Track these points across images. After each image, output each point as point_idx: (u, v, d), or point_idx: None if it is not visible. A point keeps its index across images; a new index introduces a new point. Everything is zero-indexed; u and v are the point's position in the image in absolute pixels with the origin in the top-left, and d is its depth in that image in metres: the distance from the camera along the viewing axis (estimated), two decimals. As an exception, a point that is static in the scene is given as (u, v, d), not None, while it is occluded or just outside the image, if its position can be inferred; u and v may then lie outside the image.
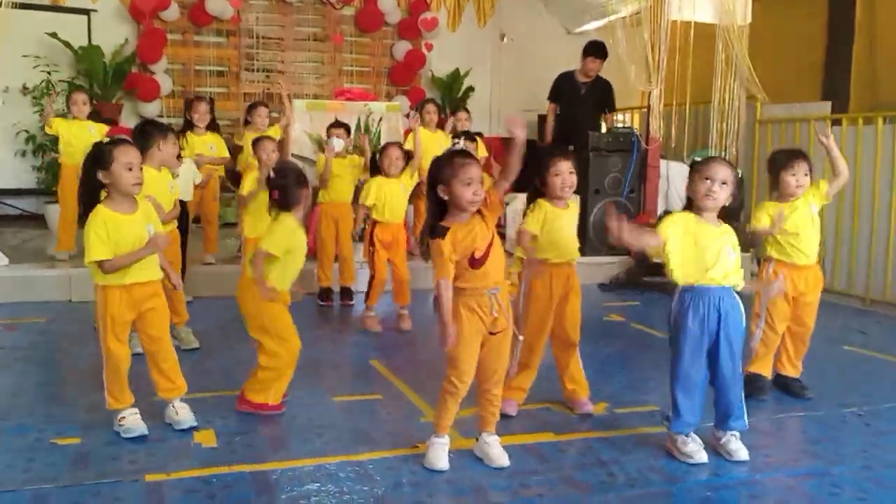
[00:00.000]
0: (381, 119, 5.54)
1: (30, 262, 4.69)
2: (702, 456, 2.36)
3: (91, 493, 2.08)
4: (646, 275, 5.26)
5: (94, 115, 4.97)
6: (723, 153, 5.42)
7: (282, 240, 2.63)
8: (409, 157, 4.05)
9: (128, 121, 6.62)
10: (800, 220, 2.91)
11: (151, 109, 6.90)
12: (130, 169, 2.40)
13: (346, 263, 4.46)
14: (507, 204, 5.57)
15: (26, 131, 6.35)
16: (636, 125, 6.88)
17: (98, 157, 2.40)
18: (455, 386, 2.25)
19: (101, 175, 2.39)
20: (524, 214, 2.75)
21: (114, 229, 2.38)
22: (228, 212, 6.02)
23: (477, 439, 2.36)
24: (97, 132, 4.57)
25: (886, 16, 5.39)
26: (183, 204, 3.61)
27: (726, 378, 2.36)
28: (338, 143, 4.33)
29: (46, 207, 6.03)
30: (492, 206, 2.23)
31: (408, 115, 7.33)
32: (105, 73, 6.56)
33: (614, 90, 5.90)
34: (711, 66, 5.38)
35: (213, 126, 4.85)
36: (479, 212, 2.24)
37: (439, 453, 2.28)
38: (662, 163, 5.66)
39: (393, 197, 3.90)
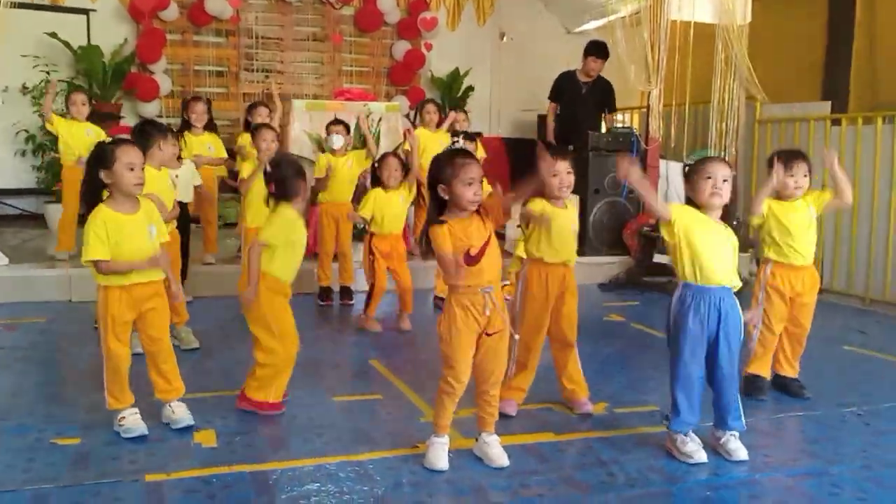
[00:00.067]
0: (380, 119, 5.54)
1: (30, 262, 4.68)
2: (701, 456, 2.36)
3: (91, 493, 2.08)
4: (646, 275, 5.27)
5: (93, 116, 4.96)
6: (722, 153, 5.43)
7: (280, 230, 2.62)
8: (406, 168, 4.04)
9: (127, 121, 6.62)
10: (798, 220, 2.92)
11: (151, 109, 6.90)
12: (132, 169, 2.40)
13: (346, 263, 4.46)
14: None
15: (26, 131, 6.34)
16: (636, 125, 6.88)
17: (100, 157, 2.41)
18: (451, 385, 2.25)
19: (102, 174, 2.39)
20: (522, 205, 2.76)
21: (114, 229, 2.38)
22: (229, 212, 6.02)
23: (477, 439, 2.36)
24: (95, 136, 4.56)
25: (886, 16, 5.39)
26: (184, 205, 3.62)
27: (724, 378, 2.37)
28: (338, 141, 4.32)
29: (46, 207, 6.04)
30: (492, 210, 2.24)
31: (408, 116, 7.35)
32: (104, 73, 6.55)
33: (615, 90, 5.90)
34: (711, 65, 5.38)
35: (210, 126, 4.83)
36: (478, 212, 2.25)
37: (439, 453, 2.28)
38: (662, 163, 5.66)
39: (391, 209, 3.88)
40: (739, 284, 2.40)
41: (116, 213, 2.41)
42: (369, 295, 3.92)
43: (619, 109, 6.18)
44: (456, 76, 7.72)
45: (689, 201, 2.42)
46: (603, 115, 5.96)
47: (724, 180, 2.33)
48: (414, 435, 2.49)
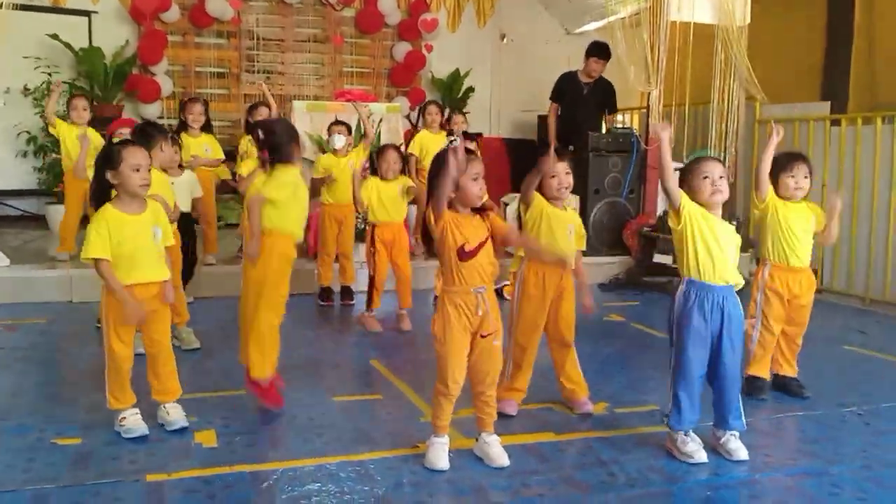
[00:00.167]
0: (381, 120, 5.54)
1: (31, 263, 4.69)
2: (701, 455, 2.36)
3: (91, 493, 2.08)
4: (646, 275, 5.27)
5: (94, 122, 4.95)
6: (722, 154, 5.43)
7: (282, 186, 2.63)
8: (405, 161, 4.05)
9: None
10: (800, 223, 2.92)
11: (152, 111, 6.91)
12: (138, 170, 2.41)
13: (348, 263, 4.47)
14: (506, 204, 5.58)
15: (27, 132, 6.36)
16: (636, 126, 6.88)
17: (107, 158, 2.43)
18: (446, 386, 2.25)
19: (109, 175, 2.41)
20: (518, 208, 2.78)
21: (116, 229, 2.39)
22: (229, 213, 6.03)
23: (477, 439, 2.37)
24: (90, 142, 4.55)
25: (885, 17, 5.39)
26: (187, 216, 3.62)
27: (727, 377, 2.37)
28: (339, 141, 4.33)
29: (47, 208, 6.05)
30: (494, 210, 2.28)
31: (408, 117, 7.35)
32: (106, 75, 6.56)
33: (616, 92, 5.91)
34: (710, 66, 5.38)
35: (207, 127, 4.81)
36: (480, 213, 2.26)
37: (439, 453, 2.28)
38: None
39: (390, 199, 3.91)
40: (742, 283, 2.40)
41: (121, 213, 2.42)
42: (369, 288, 3.94)
43: (619, 110, 6.18)
44: (456, 77, 7.73)
45: None
46: (603, 115, 5.96)
47: (721, 177, 2.34)
48: (414, 435, 2.49)
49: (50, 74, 6.23)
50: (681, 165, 2.50)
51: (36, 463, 2.26)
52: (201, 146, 4.70)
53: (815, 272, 3.35)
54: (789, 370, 3.05)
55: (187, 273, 3.69)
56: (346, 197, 4.35)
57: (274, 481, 2.18)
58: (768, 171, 2.89)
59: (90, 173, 3.65)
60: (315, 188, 4.30)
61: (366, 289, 4.02)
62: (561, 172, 2.66)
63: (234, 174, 4.97)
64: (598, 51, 5.72)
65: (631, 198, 5.67)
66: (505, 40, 8.11)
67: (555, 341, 2.77)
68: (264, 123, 2.82)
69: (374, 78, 7.75)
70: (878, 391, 3.12)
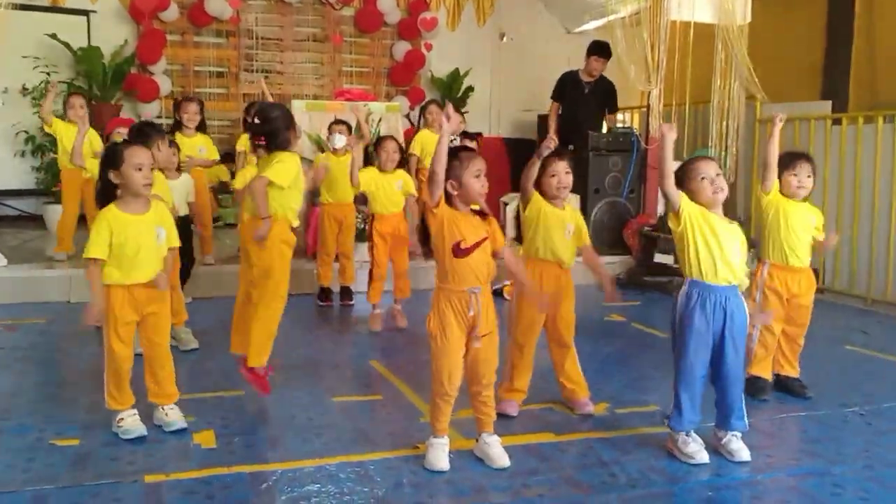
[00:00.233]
0: (380, 119, 5.53)
1: (29, 263, 4.68)
2: (703, 456, 2.35)
3: (90, 493, 2.08)
4: (646, 274, 5.26)
5: (91, 120, 4.93)
6: (723, 153, 5.42)
7: (284, 170, 2.63)
8: (403, 152, 4.05)
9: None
10: (800, 220, 2.92)
11: (151, 110, 6.90)
12: (140, 169, 2.40)
13: (347, 263, 4.46)
14: (506, 204, 5.57)
15: (26, 132, 6.35)
16: (636, 125, 6.87)
17: (110, 158, 2.44)
18: (443, 387, 2.24)
19: (111, 175, 2.41)
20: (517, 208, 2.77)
21: (118, 229, 2.39)
22: (228, 213, 6.01)
23: (477, 440, 2.36)
24: (88, 140, 4.54)
25: (885, 15, 5.39)
26: (185, 220, 3.61)
27: (729, 378, 2.36)
28: (340, 140, 4.32)
29: (45, 208, 6.04)
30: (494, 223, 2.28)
31: (408, 116, 7.34)
32: (104, 74, 6.55)
33: (617, 91, 5.90)
34: (711, 65, 5.37)
35: (202, 127, 4.77)
36: (482, 216, 2.26)
37: (439, 454, 2.28)
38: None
39: (388, 188, 3.92)
40: (747, 283, 2.39)
41: (123, 214, 2.42)
42: (368, 280, 3.97)
43: (619, 109, 6.17)
44: (456, 76, 7.72)
45: None
46: (604, 115, 5.95)
47: (718, 174, 2.34)
48: (414, 435, 2.49)
49: (49, 74, 6.22)
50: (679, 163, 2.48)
51: (35, 463, 2.25)
52: (195, 147, 4.64)
53: (816, 272, 3.35)
54: (791, 370, 3.04)
55: (185, 274, 3.68)
56: (346, 196, 4.34)
57: (273, 482, 2.17)
58: (775, 160, 2.88)
59: (89, 164, 3.64)
60: (313, 187, 4.29)
61: (365, 289, 4.02)
62: (561, 172, 2.65)
63: (233, 175, 4.95)
64: (599, 49, 5.71)
65: (631, 197, 5.66)
66: (504, 39, 8.10)
67: (554, 341, 2.77)
68: (261, 109, 2.79)
69: (373, 77, 7.74)
70: (880, 391, 3.11)
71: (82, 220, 4.83)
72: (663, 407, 2.71)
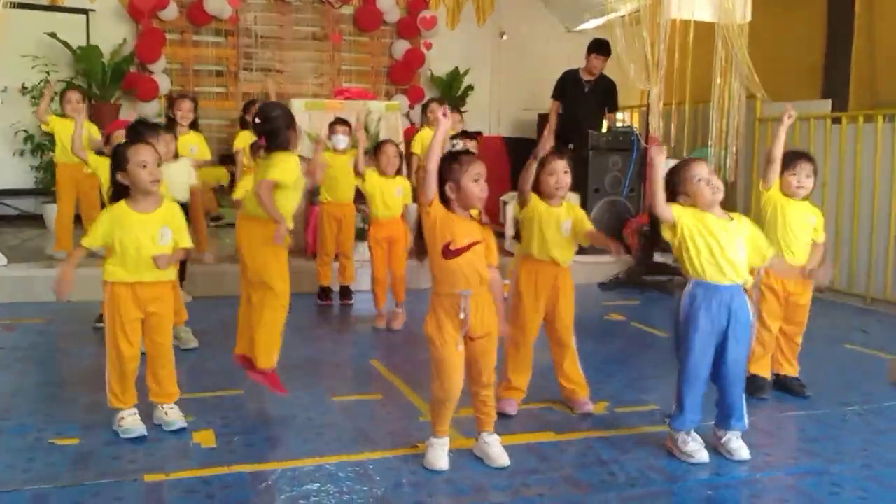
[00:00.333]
0: (380, 118, 5.53)
1: (29, 262, 4.68)
2: (702, 455, 2.36)
3: (90, 493, 2.08)
4: (646, 274, 5.26)
5: (90, 117, 4.92)
6: (723, 152, 5.42)
7: (286, 171, 2.62)
8: (401, 157, 4.05)
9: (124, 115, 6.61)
10: (798, 220, 2.91)
11: (150, 109, 6.89)
12: (145, 166, 2.41)
13: (347, 262, 4.46)
14: (506, 203, 5.57)
15: (25, 131, 6.34)
16: (636, 124, 6.87)
17: (116, 160, 2.46)
18: (443, 389, 2.24)
19: (120, 176, 2.43)
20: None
21: (118, 223, 2.41)
22: (228, 212, 6.01)
23: (477, 439, 2.36)
24: (86, 134, 4.52)
25: (886, 15, 5.38)
26: (182, 204, 3.59)
27: (732, 377, 2.36)
28: (342, 141, 4.32)
29: (45, 207, 6.03)
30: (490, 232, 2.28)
31: (407, 115, 7.34)
32: (104, 73, 6.55)
33: (618, 90, 5.89)
34: (711, 64, 5.36)
35: (195, 126, 4.73)
36: (480, 222, 2.26)
37: (439, 453, 2.28)
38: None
39: (388, 195, 3.92)
40: (750, 280, 2.39)
41: (129, 210, 2.43)
42: (371, 286, 4.02)
43: (619, 108, 6.17)
44: (456, 75, 7.71)
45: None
46: (604, 113, 5.95)
47: (711, 174, 2.34)
48: (414, 435, 2.49)
49: (48, 73, 6.21)
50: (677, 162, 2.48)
51: (35, 463, 2.25)
52: (187, 146, 4.50)
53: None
54: (790, 369, 3.05)
55: (181, 271, 3.67)
56: (346, 196, 4.34)
57: (273, 481, 2.17)
58: (780, 155, 2.87)
59: (91, 159, 3.63)
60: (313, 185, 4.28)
61: (364, 289, 4.04)
62: (559, 171, 2.65)
63: (232, 176, 4.94)
64: (599, 47, 5.71)
65: (631, 196, 5.65)
66: (503, 37, 8.09)
67: (553, 341, 2.77)
68: (262, 109, 2.79)
69: (373, 76, 7.74)
70: (879, 390, 3.12)
71: (79, 218, 4.83)
72: (663, 406, 2.71)
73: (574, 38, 7.11)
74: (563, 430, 2.60)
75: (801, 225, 2.91)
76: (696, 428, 2.40)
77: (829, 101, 5.44)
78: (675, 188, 2.38)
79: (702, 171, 2.33)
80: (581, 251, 2.82)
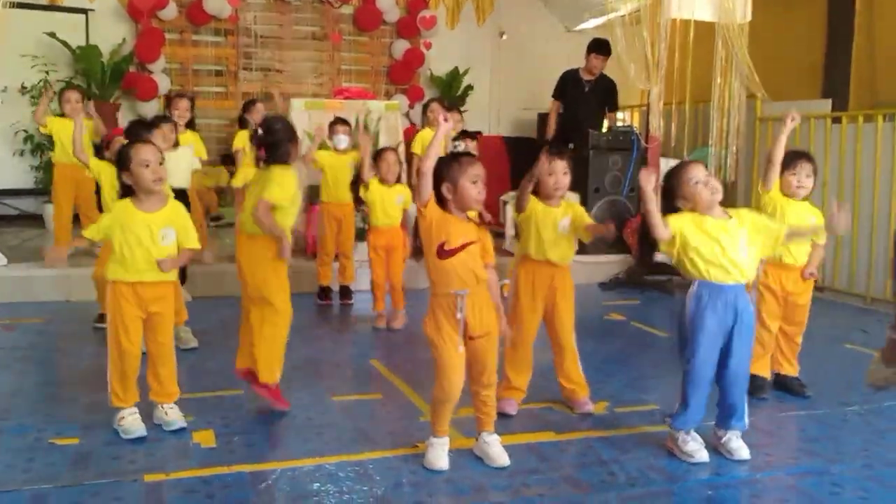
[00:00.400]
0: (379, 118, 5.53)
1: (28, 262, 4.67)
2: (702, 455, 2.35)
3: (90, 493, 2.08)
4: (646, 273, 5.26)
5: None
6: (723, 151, 5.42)
7: (284, 190, 2.62)
8: (400, 164, 4.05)
9: (126, 121, 6.60)
10: (797, 220, 2.90)
11: (149, 109, 6.89)
12: (147, 165, 2.41)
13: (347, 262, 4.46)
14: (505, 203, 5.56)
15: (25, 131, 6.34)
16: (636, 123, 6.87)
17: (120, 161, 2.47)
18: (443, 389, 2.24)
19: (124, 177, 2.45)
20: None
21: (120, 220, 2.43)
22: (229, 212, 6.01)
23: (477, 439, 2.36)
24: (87, 131, 4.51)
25: (886, 14, 5.38)
26: (183, 193, 3.59)
27: (735, 377, 2.35)
28: (343, 141, 4.31)
29: (45, 207, 6.02)
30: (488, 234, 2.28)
31: (407, 115, 7.33)
32: (103, 73, 6.54)
33: (618, 89, 5.89)
34: (711, 63, 5.36)
35: (191, 125, 4.71)
36: (478, 223, 2.26)
37: (439, 453, 2.28)
38: (663, 161, 5.65)
39: (388, 204, 3.92)
40: (752, 276, 2.38)
41: (132, 208, 2.45)
42: (371, 290, 4.03)
43: (619, 108, 6.16)
44: (455, 75, 7.71)
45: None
46: (605, 113, 5.94)
47: (708, 175, 2.33)
48: (414, 434, 2.49)
49: (47, 73, 6.21)
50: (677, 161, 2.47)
51: (35, 463, 2.25)
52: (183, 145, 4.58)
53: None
54: (790, 369, 3.05)
55: (182, 272, 3.67)
56: (346, 195, 4.34)
57: (273, 481, 2.17)
58: (780, 158, 2.86)
59: (92, 163, 3.64)
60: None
61: (364, 288, 4.04)
62: (559, 172, 2.65)
63: (232, 176, 4.92)
64: (598, 47, 5.71)
65: (631, 196, 5.65)
66: (503, 37, 8.08)
67: (553, 341, 2.77)
68: (265, 121, 2.82)
69: (372, 76, 7.73)
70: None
71: (79, 220, 4.83)
72: (663, 406, 2.71)
73: (574, 38, 7.10)
74: (563, 429, 2.60)
75: (801, 222, 2.91)
76: (696, 428, 2.40)
77: (829, 101, 5.44)
78: (673, 192, 2.37)
79: (698, 174, 2.32)
80: (581, 251, 2.81)
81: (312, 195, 4.66)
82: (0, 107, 6.22)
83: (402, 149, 4.73)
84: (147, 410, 2.54)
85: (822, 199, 4.77)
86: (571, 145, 5.45)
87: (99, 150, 3.95)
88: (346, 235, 4.39)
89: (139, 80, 6.81)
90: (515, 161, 6.68)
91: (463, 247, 2.18)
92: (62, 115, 4.75)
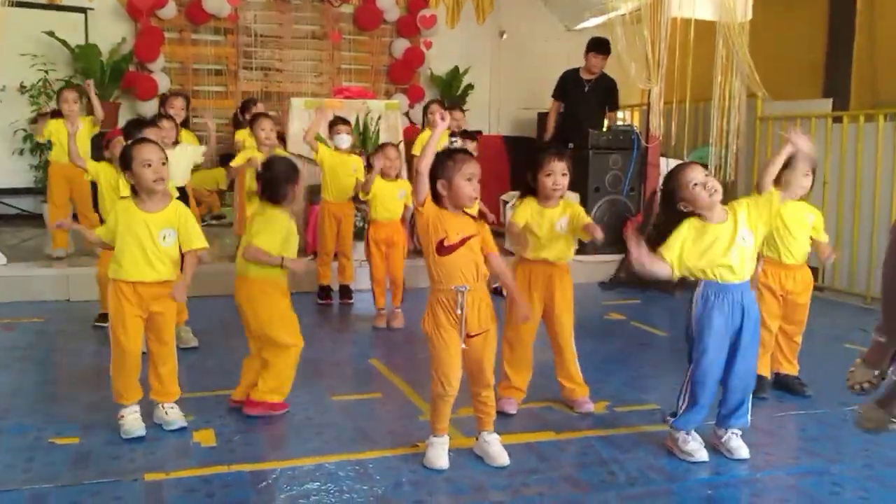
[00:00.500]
0: (379, 117, 5.52)
1: (27, 262, 4.67)
2: (702, 454, 2.35)
3: (90, 492, 2.07)
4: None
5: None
6: (724, 151, 5.41)
7: (274, 235, 2.61)
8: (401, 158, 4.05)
9: (125, 120, 6.59)
10: (795, 219, 2.91)
11: (149, 108, 6.88)
12: (149, 165, 2.41)
13: (346, 262, 4.45)
14: (505, 202, 5.56)
15: (24, 130, 6.33)
16: (636, 123, 6.86)
17: (123, 161, 2.47)
18: (442, 388, 2.24)
19: (127, 177, 2.46)
20: (513, 207, 2.76)
21: (122, 219, 2.44)
22: (230, 211, 6.01)
23: (477, 438, 2.35)
24: (86, 129, 4.50)
25: (887, 14, 5.37)
26: (182, 192, 3.59)
27: (742, 375, 2.35)
28: (345, 141, 4.31)
29: (44, 207, 6.01)
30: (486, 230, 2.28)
31: (407, 114, 7.32)
32: (102, 72, 6.53)
33: (618, 89, 5.88)
34: (712, 63, 5.36)
35: (186, 124, 4.70)
36: (475, 218, 2.26)
37: (438, 452, 2.28)
38: (663, 161, 5.65)
39: (388, 196, 3.92)
40: (753, 270, 2.38)
41: (134, 207, 2.45)
42: (371, 286, 4.02)
43: (619, 107, 6.16)
44: (455, 74, 7.70)
45: (686, 213, 2.35)
46: (605, 112, 5.94)
47: (707, 175, 2.32)
48: (414, 434, 2.49)
49: (46, 72, 6.20)
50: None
51: (35, 462, 2.25)
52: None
53: (815, 271, 3.34)
54: (790, 369, 3.05)
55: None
56: (346, 195, 4.34)
57: (273, 480, 2.17)
58: (776, 172, 2.84)
59: (90, 167, 3.64)
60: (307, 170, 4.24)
61: (364, 287, 4.04)
62: (557, 172, 2.64)
63: (230, 181, 4.92)
64: (597, 46, 5.70)
65: (631, 195, 5.65)
66: (503, 36, 8.07)
67: (552, 340, 2.77)
68: (270, 159, 2.83)
69: (372, 75, 7.72)
70: (879, 390, 3.11)
71: (75, 218, 4.82)
72: (663, 405, 2.71)
73: (574, 37, 7.09)
74: (563, 429, 2.60)
75: (799, 224, 2.91)
76: (696, 427, 2.40)
77: (830, 101, 5.44)
78: (672, 195, 2.36)
79: (696, 175, 2.31)
80: (581, 250, 2.81)
81: (312, 195, 4.66)
82: (-1, 106, 6.21)
83: (402, 147, 4.72)
84: (147, 410, 2.54)
85: (822, 198, 4.79)
86: (571, 145, 5.45)
87: (99, 151, 3.95)
88: (345, 235, 4.39)
89: (139, 79, 6.80)
90: (515, 160, 6.68)
91: (463, 241, 2.19)
92: (60, 114, 4.76)
